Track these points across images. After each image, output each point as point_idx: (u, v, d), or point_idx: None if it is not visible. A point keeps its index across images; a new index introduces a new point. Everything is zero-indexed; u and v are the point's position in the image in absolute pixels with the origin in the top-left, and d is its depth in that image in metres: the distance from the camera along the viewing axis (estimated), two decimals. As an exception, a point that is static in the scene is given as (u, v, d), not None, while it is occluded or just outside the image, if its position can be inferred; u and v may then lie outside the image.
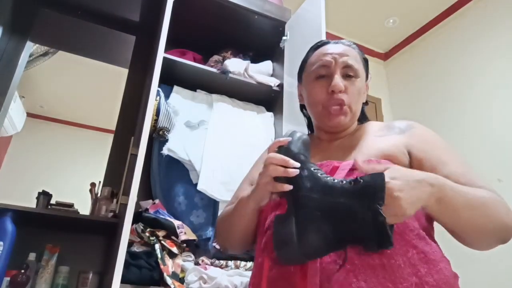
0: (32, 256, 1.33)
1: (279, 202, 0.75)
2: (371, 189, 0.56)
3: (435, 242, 0.70)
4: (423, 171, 0.65)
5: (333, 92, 0.81)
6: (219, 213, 1.58)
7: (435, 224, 0.72)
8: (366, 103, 0.93)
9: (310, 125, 1.00)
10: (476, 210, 0.65)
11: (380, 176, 0.57)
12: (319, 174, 0.62)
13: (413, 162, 0.75)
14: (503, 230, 0.68)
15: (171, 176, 1.63)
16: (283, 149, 0.67)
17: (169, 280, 1.25)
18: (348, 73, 0.83)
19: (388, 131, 0.82)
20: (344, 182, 0.60)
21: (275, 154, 0.67)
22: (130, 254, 1.28)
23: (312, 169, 0.63)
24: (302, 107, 0.98)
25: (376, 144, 0.79)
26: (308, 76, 0.88)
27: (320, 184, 0.61)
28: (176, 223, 1.42)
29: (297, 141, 0.68)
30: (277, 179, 0.66)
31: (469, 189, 0.67)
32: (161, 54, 1.44)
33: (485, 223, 0.66)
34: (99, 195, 1.54)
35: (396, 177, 0.58)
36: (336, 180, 0.60)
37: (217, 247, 1.54)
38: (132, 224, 1.27)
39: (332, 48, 0.86)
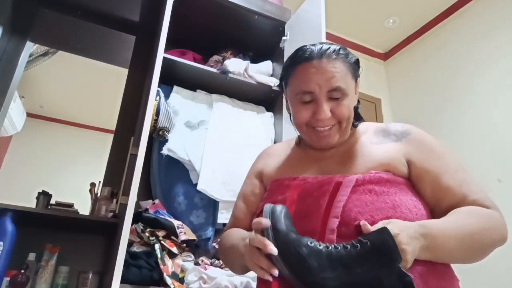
0: (32, 256, 1.33)
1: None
2: (385, 249, 0.55)
3: None
4: (418, 223, 0.65)
5: (321, 121, 0.78)
6: (218, 213, 1.59)
7: None
8: (358, 104, 0.87)
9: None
10: (469, 247, 0.67)
11: (386, 233, 0.56)
12: (318, 247, 0.59)
13: (412, 172, 0.76)
14: (497, 246, 0.70)
15: (171, 176, 1.63)
16: (270, 230, 0.62)
17: (169, 280, 1.25)
18: (335, 96, 0.77)
19: (384, 137, 0.81)
20: (348, 247, 0.57)
21: (257, 237, 0.63)
22: (130, 254, 1.28)
23: (309, 243, 0.59)
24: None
25: (373, 153, 0.78)
26: (292, 97, 0.83)
27: (326, 259, 0.57)
28: (176, 223, 1.42)
29: (281, 217, 0.63)
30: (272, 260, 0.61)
31: (461, 222, 0.67)
32: (161, 54, 1.44)
33: (479, 253, 0.69)
34: (99, 195, 1.54)
35: (400, 230, 0.59)
36: (339, 248, 0.57)
37: (217, 247, 1.54)
38: (132, 224, 1.27)
39: (316, 69, 0.77)
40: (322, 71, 0.77)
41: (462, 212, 0.69)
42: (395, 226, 0.60)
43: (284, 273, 0.60)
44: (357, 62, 0.83)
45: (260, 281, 0.76)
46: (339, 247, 0.58)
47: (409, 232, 0.60)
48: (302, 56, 0.80)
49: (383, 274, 0.54)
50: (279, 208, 0.65)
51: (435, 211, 0.74)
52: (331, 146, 0.83)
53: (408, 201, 0.71)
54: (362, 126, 0.87)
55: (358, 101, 0.87)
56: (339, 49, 0.80)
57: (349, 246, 0.57)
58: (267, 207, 0.66)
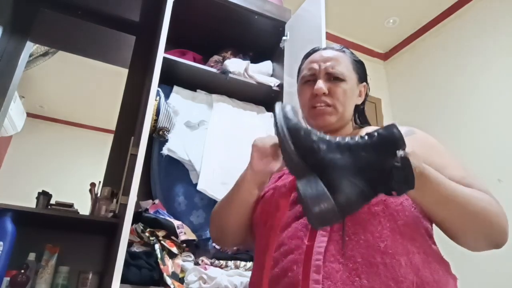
0: (32, 256, 1.33)
1: (279, 204, 0.76)
2: (391, 138, 0.57)
3: (435, 244, 0.70)
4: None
5: (316, 95, 0.85)
6: (219, 213, 1.58)
7: (435, 228, 0.72)
8: (362, 105, 0.94)
9: None
10: (463, 202, 0.64)
11: (394, 126, 0.57)
12: (327, 138, 0.61)
13: None
14: (494, 230, 0.67)
15: (171, 176, 1.63)
16: (282, 117, 0.66)
17: (169, 280, 1.25)
18: (333, 77, 0.86)
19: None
20: (356, 138, 0.60)
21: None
22: (130, 254, 1.28)
23: (318, 133, 0.62)
24: None
25: None
26: (299, 81, 0.93)
27: (335, 144, 0.60)
28: (176, 223, 1.42)
29: (291, 112, 0.66)
30: (283, 154, 0.65)
31: (461, 186, 0.67)
32: (161, 54, 1.44)
33: (473, 217, 0.65)
34: (99, 195, 1.54)
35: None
36: (346, 139, 0.60)
37: (217, 247, 1.54)
38: (132, 224, 1.27)
39: (320, 54, 0.90)
40: (325, 56, 0.89)
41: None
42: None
43: (291, 158, 0.62)
44: (362, 64, 0.93)
45: (255, 265, 0.79)
46: (348, 139, 0.60)
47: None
48: (312, 50, 0.94)
49: (387, 158, 0.56)
50: (288, 105, 0.68)
51: None
52: (328, 127, 0.86)
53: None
54: (366, 128, 0.90)
55: (364, 103, 0.95)
56: (345, 47, 0.93)
57: (357, 138, 0.59)
58: (278, 104, 0.69)
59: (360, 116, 0.96)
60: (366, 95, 0.95)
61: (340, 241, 0.64)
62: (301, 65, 0.96)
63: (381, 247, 0.63)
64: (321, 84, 0.84)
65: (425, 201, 0.65)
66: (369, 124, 0.95)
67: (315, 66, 0.87)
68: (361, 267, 0.61)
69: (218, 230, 0.91)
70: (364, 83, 0.93)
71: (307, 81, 0.89)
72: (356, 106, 0.92)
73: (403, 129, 0.82)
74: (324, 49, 0.92)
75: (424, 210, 0.69)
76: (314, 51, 0.93)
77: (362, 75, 0.92)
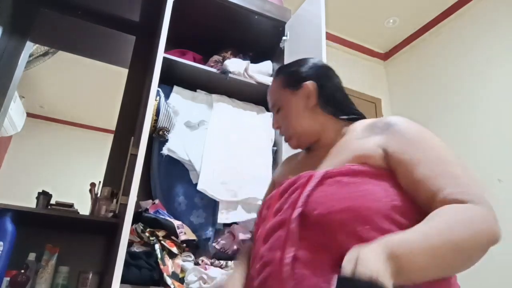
0: (32, 256, 1.33)
1: (265, 216, 0.78)
2: None
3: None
4: (378, 242, 0.55)
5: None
6: (219, 213, 1.58)
7: None
8: (322, 98, 0.87)
9: None
10: (446, 260, 0.56)
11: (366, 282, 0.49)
12: None
13: (390, 161, 0.71)
14: (486, 248, 0.58)
15: (171, 176, 1.63)
16: None
17: (169, 280, 1.25)
18: (276, 110, 0.92)
19: (370, 132, 0.79)
20: None
21: None
22: (130, 254, 1.28)
23: None
24: None
25: (352, 148, 0.77)
26: None
27: None
28: (176, 223, 1.42)
29: None
30: None
31: (431, 233, 0.56)
32: (161, 54, 1.44)
33: (462, 263, 0.57)
34: (99, 195, 1.54)
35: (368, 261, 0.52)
36: None
37: (217, 247, 1.54)
38: (132, 224, 1.27)
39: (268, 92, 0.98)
40: (268, 93, 0.96)
41: (433, 218, 0.59)
42: (363, 257, 0.52)
43: None
44: (290, 71, 0.93)
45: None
46: None
47: (374, 262, 0.51)
48: None
49: None
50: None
51: (419, 203, 0.67)
52: (299, 148, 0.91)
53: (381, 191, 0.66)
54: (355, 124, 0.86)
55: (326, 94, 0.87)
56: (279, 68, 0.98)
57: None
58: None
59: (336, 105, 0.87)
60: (321, 86, 0.87)
61: (309, 250, 0.64)
62: None
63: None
64: (274, 120, 0.93)
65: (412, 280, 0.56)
66: (354, 112, 0.88)
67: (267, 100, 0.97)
68: (330, 274, 0.60)
69: None
70: (304, 83, 0.87)
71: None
72: (318, 105, 0.86)
73: (384, 121, 0.78)
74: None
75: None
76: None
77: (295, 80, 0.88)
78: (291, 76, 0.91)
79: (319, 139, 0.86)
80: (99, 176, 1.65)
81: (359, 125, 0.84)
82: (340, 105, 0.88)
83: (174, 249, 1.38)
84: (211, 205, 1.62)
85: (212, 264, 1.44)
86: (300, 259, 0.64)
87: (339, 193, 0.67)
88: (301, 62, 0.94)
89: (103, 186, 1.57)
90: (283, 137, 0.93)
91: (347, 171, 0.70)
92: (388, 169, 0.71)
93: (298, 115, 0.87)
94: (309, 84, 0.87)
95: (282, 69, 0.96)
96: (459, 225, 0.57)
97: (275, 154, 1.83)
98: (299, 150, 0.99)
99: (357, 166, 0.71)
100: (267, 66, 1.95)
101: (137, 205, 1.49)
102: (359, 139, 0.79)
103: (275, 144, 1.85)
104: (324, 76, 0.90)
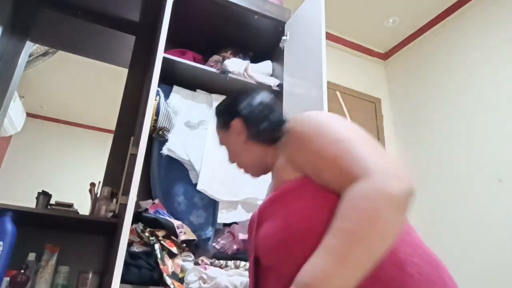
0: (32, 256, 1.33)
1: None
2: None
3: None
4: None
5: None
6: (218, 213, 1.59)
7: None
8: (251, 132, 0.89)
9: None
10: (355, 255, 0.52)
11: None
12: None
13: (297, 168, 0.70)
14: (385, 209, 0.52)
15: (171, 176, 1.63)
16: None
17: (168, 280, 1.25)
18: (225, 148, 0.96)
19: (284, 145, 0.77)
20: None
21: None
22: (130, 254, 1.28)
23: None
24: None
25: (276, 168, 0.80)
26: None
27: None
28: (176, 223, 1.42)
29: None
30: None
31: (329, 247, 0.54)
32: (161, 54, 1.44)
33: (376, 250, 0.53)
34: (98, 195, 1.54)
35: None
36: None
37: (217, 247, 1.54)
38: (132, 224, 1.27)
39: None
40: None
41: (333, 228, 0.56)
42: None
43: None
44: (222, 110, 0.98)
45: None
46: None
47: None
48: None
49: None
50: None
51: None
52: (262, 174, 0.93)
53: (301, 210, 0.65)
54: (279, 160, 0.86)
55: (252, 130, 0.89)
56: (219, 108, 1.00)
57: None
58: None
59: (264, 135, 0.87)
60: (247, 122, 0.90)
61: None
62: None
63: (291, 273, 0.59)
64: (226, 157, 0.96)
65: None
66: (280, 135, 0.82)
67: None
68: None
69: None
70: (232, 122, 0.91)
71: None
72: (249, 138, 0.88)
73: (286, 133, 0.76)
74: None
75: None
76: None
77: (226, 119, 0.94)
78: (221, 117, 0.97)
79: (267, 167, 0.89)
80: (99, 176, 1.65)
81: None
82: (267, 134, 0.87)
83: (174, 249, 1.38)
84: (211, 205, 1.62)
85: (212, 264, 1.44)
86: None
87: (271, 227, 0.69)
88: (228, 101, 1.00)
89: (103, 186, 1.57)
90: None
91: (273, 200, 0.72)
92: (303, 178, 0.68)
93: (239, 151, 0.92)
94: (236, 122, 0.91)
95: (217, 110, 1.00)
96: (346, 221, 0.54)
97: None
98: None
99: (279, 190, 0.72)
100: (267, 66, 1.95)
101: (137, 205, 1.49)
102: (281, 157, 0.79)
103: (275, 144, 1.85)
104: (247, 109, 0.91)
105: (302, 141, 0.69)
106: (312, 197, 0.66)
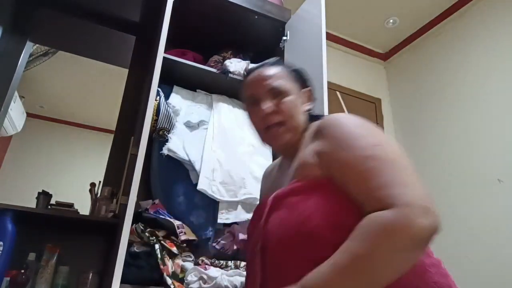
0: (32, 256, 1.33)
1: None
2: None
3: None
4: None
5: (266, 115, 0.84)
6: (219, 213, 1.58)
7: None
8: (310, 109, 0.91)
9: None
10: (358, 276, 0.54)
11: None
12: None
13: (323, 167, 0.69)
14: (399, 246, 0.53)
15: (171, 176, 1.63)
16: None
17: (169, 280, 1.25)
18: (276, 92, 0.85)
19: (313, 137, 0.78)
20: None
21: None
22: (130, 254, 1.28)
23: None
24: None
25: (297, 159, 0.78)
26: (246, 107, 0.93)
27: None
28: (176, 223, 1.42)
29: None
30: None
31: (340, 255, 0.56)
32: (161, 54, 1.44)
33: (378, 271, 0.54)
34: (99, 195, 1.54)
35: None
36: None
37: (217, 247, 1.54)
38: (132, 224, 1.27)
39: (258, 73, 0.89)
40: (262, 75, 0.88)
41: (347, 241, 0.57)
42: None
43: None
44: (299, 71, 0.93)
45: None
46: None
47: None
48: (248, 73, 0.94)
49: None
50: None
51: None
52: (287, 145, 0.84)
53: (320, 209, 0.64)
54: (311, 126, 0.85)
55: (309, 109, 0.91)
56: (278, 59, 0.94)
57: None
58: None
59: (311, 117, 0.90)
60: (314, 98, 0.94)
61: (275, 280, 0.68)
62: (241, 89, 0.94)
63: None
64: (267, 103, 0.84)
65: None
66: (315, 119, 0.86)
67: (257, 89, 0.87)
68: None
69: None
70: (307, 88, 0.92)
71: (252, 102, 0.88)
72: (307, 112, 0.90)
73: (321, 126, 0.76)
74: (261, 66, 0.91)
75: None
76: (249, 73, 0.93)
77: (302, 82, 0.92)
78: (301, 75, 0.93)
79: (294, 146, 0.84)
80: (99, 176, 1.65)
81: (310, 130, 0.83)
82: (314, 117, 0.89)
83: (174, 249, 1.38)
84: (211, 205, 1.62)
85: (212, 264, 1.44)
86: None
87: (287, 219, 0.68)
88: (301, 68, 0.96)
89: (103, 186, 1.57)
90: (273, 126, 0.84)
91: (291, 191, 0.71)
92: (327, 177, 0.68)
93: (299, 110, 0.87)
94: (310, 90, 0.93)
95: (288, 65, 0.95)
96: (358, 242, 0.55)
97: (275, 153, 1.83)
98: (272, 163, 1.03)
99: (299, 182, 0.71)
100: (267, 66, 1.95)
101: (137, 205, 1.49)
102: (305, 147, 0.79)
103: (275, 144, 1.85)
104: (312, 91, 0.94)
105: (338, 142, 0.68)
106: (337, 201, 0.65)
